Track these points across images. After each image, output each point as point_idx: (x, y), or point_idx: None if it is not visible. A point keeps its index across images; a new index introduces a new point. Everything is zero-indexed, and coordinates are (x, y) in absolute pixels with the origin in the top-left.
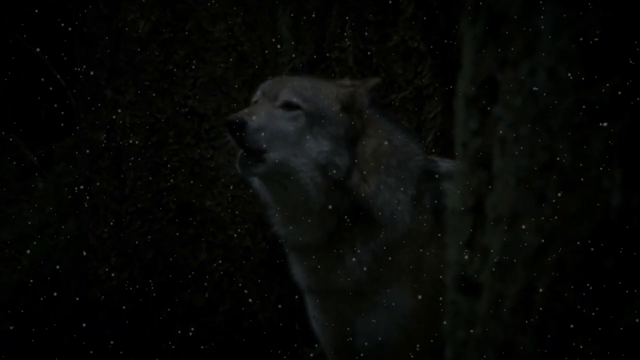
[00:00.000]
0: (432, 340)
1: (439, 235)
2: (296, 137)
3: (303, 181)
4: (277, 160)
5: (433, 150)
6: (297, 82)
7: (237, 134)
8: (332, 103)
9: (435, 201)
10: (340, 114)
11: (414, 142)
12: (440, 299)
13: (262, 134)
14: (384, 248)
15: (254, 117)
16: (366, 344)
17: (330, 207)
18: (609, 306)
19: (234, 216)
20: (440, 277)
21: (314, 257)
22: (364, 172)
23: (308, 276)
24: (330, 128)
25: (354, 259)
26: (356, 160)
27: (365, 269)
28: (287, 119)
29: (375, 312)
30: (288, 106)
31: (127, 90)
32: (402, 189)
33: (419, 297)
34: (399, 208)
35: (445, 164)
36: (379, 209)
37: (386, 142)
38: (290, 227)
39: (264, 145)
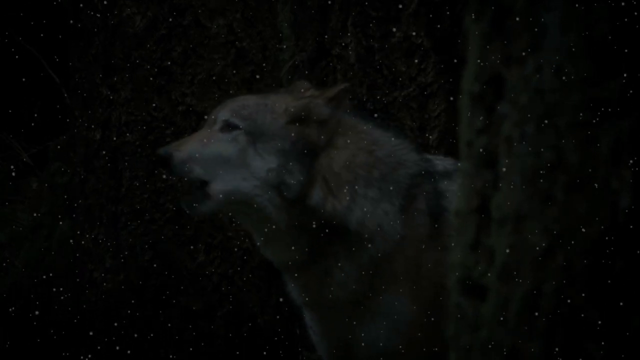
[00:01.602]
0: (434, 346)
1: (438, 238)
2: (240, 158)
3: (261, 205)
4: (224, 191)
5: (435, 150)
6: (240, 101)
7: (167, 167)
8: (276, 117)
9: (432, 203)
10: (286, 128)
11: (403, 147)
12: (442, 303)
13: (194, 163)
14: (374, 260)
15: (182, 148)
16: (366, 353)
17: (297, 225)
18: (618, 310)
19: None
20: (441, 281)
21: (300, 274)
22: (333, 187)
23: (301, 292)
24: (274, 143)
25: (340, 274)
26: (323, 175)
27: (355, 281)
28: (227, 141)
29: (374, 321)
30: (227, 127)
31: (123, 87)
32: (388, 199)
33: (419, 302)
34: (387, 218)
35: (441, 163)
36: (357, 224)
37: (365, 154)
38: (269, 248)
39: (202, 175)
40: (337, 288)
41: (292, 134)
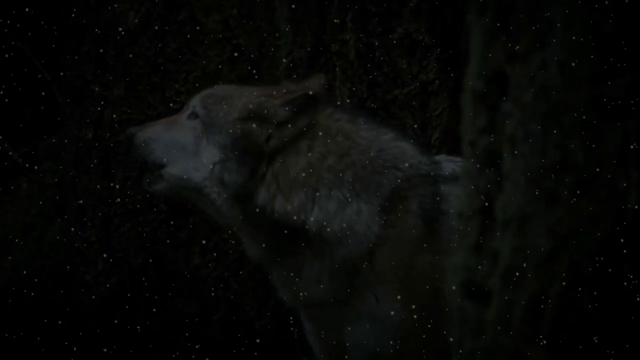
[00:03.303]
0: (431, 350)
1: (433, 240)
2: (195, 147)
3: (211, 197)
4: (176, 175)
5: (436, 150)
6: (212, 90)
7: (131, 146)
8: (229, 111)
9: (428, 206)
10: (233, 123)
11: (404, 149)
12: (439, 307)
13: (154, 145)
14: (348, 261)
15: (146, 129)
16: (359, 354)
17: (254, 222)
18: (625, 313)
19: None
20: (437, 284)
21: (273, 270)
22: (285, 190)
23: (283, 290)
24: (219, 137)
25: (310, 273)
26: (275, 178)
27: (328, 281)
28: (188, 128)
29: (363, 322)
30: (193, 115)
31: (116, 85)
32: (365, 198)
33: (412, 305)
34: (359, 219)
35: (450, 165)
36: (317, 225)
37: (336, 157)
38: (242, 242)
39: (160, 157)
40: (310, 286)
41: (238, 131)
